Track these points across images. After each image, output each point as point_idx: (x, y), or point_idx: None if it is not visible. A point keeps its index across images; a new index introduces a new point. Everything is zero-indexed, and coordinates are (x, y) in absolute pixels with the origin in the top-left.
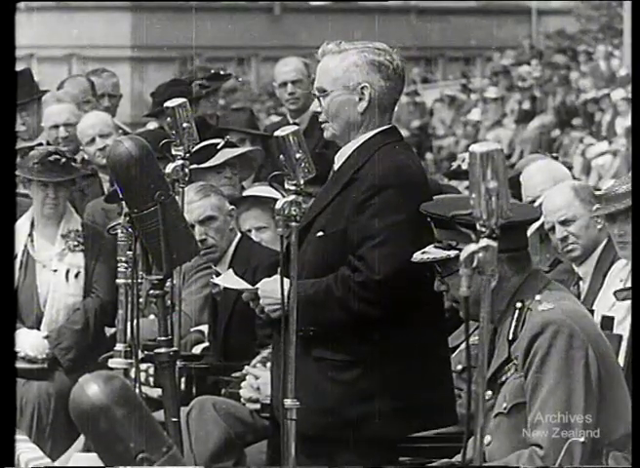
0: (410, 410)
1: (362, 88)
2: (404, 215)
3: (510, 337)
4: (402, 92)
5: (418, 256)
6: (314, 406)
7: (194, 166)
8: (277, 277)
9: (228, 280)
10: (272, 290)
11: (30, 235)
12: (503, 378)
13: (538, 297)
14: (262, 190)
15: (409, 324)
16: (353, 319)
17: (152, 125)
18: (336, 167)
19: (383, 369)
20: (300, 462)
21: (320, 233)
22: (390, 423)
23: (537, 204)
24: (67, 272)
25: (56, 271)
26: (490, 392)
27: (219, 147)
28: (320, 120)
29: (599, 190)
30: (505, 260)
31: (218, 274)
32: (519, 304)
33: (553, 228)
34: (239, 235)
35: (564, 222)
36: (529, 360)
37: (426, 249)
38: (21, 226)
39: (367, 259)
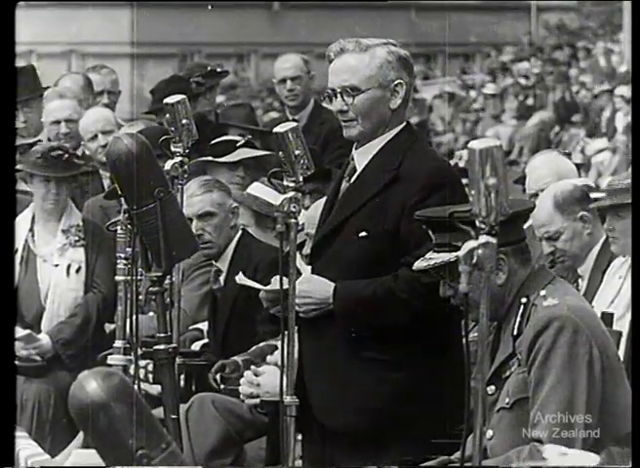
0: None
1: (396, 85)
2: None
3: (515, 333)
4: None
5: (421, 264)
6: (362, 405)
7: (209, 158)
8: (314, 277)
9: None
10: (311, 290)
11: (31, 230)
12: (507, 373)
13: (542, 293)
14: (258, 188)
15: (455, 324)
16: (418, 320)
17: (136, 126)
18: (358, 165)
19: (433, 369)
20: (342, 461)
21: (363, 233)
22: (436, 424)
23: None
24: (68, 267)
25: (57, 266)
26: (493, 387)
27: (238, 145)
28: (345, 118)
29: (597, 188)
30: (511, 253)
31: (218, 271)
32: (524, 299)
33: None
34: (240, 232)
35: (548, 239)
36: (532, 355)
37: (427, 255)
38: (22, 221)
39: None
